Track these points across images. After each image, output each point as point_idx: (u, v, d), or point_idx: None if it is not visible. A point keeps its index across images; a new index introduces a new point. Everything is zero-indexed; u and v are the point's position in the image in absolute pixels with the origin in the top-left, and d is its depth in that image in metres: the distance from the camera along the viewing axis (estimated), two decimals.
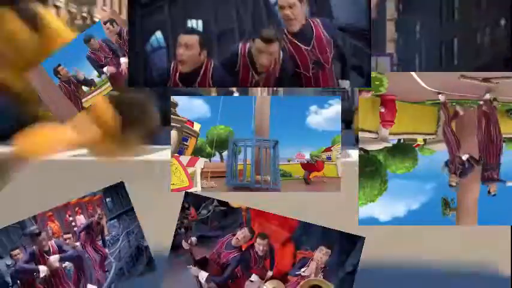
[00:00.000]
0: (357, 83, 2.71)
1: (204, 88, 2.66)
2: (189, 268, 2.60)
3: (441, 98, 2.87)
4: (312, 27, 2.61)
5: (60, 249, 2.58)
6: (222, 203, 2.67)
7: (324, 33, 2.61)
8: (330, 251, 2.56)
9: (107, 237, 2.64)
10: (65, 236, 2.61)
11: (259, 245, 2.59)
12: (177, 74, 2.56)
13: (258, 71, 2.57)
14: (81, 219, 2.65)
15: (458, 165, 2.82)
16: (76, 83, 2.63)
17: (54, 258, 2.55)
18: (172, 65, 2.57)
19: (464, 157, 2.82)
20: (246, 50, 2.56)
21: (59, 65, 2.59)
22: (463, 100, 2.91)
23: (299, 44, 2.60)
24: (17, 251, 2.55)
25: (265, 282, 2.60)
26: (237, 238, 2.61)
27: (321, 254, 2.57)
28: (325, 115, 2.90)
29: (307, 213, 2.87)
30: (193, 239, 2.62)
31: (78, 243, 2.61)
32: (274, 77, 2.59)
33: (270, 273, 2.60)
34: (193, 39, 2.51)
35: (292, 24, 2.57)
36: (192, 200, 2.66)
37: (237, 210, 2.67)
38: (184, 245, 2.62)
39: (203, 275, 2.58)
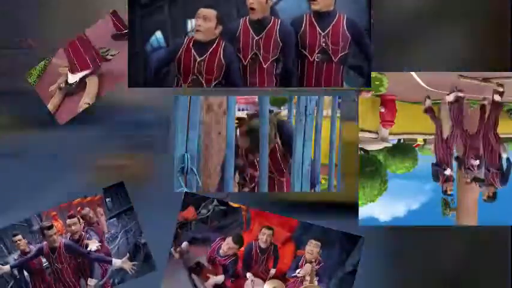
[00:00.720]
0: (357, 83, 2.71)
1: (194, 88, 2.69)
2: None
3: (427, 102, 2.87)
4: (334, 16, 2.63)
5: (68, 248, 2.63)
6: (222, 203, 2.67)
7: (343, 27, 2.62)
8: (319, 243, 2.57)
9: (106, 235, 2.67)
10: (69, 221, 2.65)
11: (263, 235, 2.59)
12: (192, 41, 2.62)
13: (252, 19, 2.62)
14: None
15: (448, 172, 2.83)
16: None
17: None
18: (185, 39, 2.64)
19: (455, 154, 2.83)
20: (247, 18, 2.64)
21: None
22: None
23: (315, 23, 2.62)
24: (19, 236, 2.61)
25: (266, 281, 2.61)
26: (223, 249, 2.63)
27: (311, 247, 2.58)
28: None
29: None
30: (185, 244, 2.62)
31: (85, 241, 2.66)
32: (274, 39, 2.62)
33: (273, 271, 2.61)
34: (212, 13, 2.60)
35: (316, 3, 2.61)
36: (191, 200, 2.66)
37: (237, 210, 2.67)
38: (175, 254, 2.62)
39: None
